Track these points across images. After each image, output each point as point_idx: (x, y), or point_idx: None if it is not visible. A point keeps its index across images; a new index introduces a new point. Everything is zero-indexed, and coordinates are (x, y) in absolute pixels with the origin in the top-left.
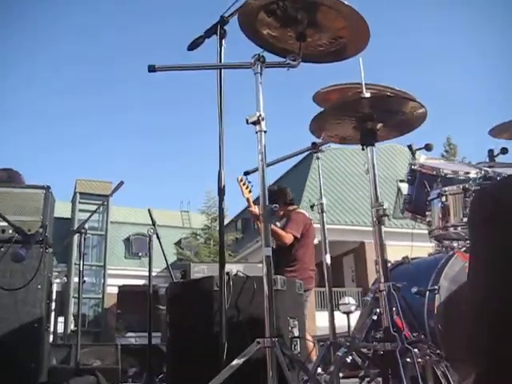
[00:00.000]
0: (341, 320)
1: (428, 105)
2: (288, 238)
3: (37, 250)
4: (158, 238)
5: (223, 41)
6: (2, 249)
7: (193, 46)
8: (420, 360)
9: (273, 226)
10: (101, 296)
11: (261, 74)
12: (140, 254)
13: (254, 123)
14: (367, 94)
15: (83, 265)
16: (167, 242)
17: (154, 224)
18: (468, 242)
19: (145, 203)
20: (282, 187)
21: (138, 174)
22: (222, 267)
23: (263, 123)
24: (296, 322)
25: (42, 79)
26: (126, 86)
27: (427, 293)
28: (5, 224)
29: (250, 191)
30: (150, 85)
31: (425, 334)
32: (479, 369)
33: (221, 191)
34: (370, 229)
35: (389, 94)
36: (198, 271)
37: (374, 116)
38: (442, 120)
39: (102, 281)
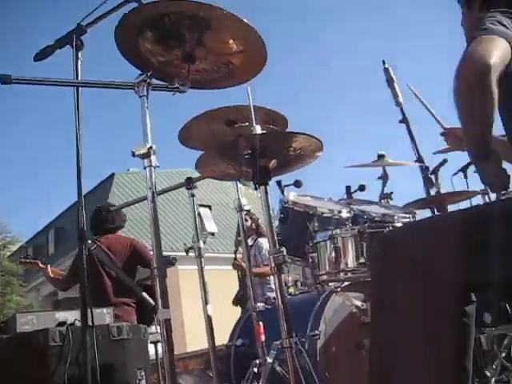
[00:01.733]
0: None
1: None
2: None
3: None
4: None
5: (79, 53)
6: None
7: (41, 56)
8: None
9: None
10: None
11: (147, 98)
12: None
13: (143, 157)
14: (258, 130)
15: None
16: None
17: None
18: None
19: None
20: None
21: None
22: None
23: (154, 157)
24: (143, 373)
25: None
26: None
27: (307, 338)
28: None
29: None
30: None
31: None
32: None
33: (81, 235)
34: (183, 254)
35: (272, 125)
36: (26, 323)
37: (266, 153)
38: None
39: None
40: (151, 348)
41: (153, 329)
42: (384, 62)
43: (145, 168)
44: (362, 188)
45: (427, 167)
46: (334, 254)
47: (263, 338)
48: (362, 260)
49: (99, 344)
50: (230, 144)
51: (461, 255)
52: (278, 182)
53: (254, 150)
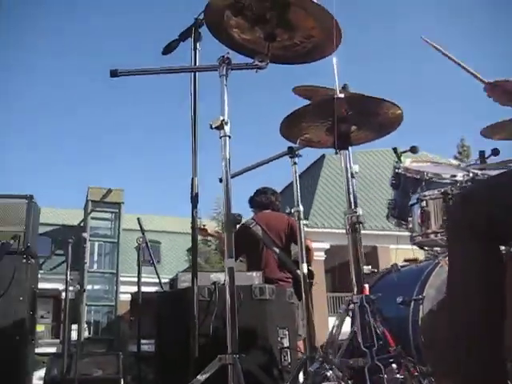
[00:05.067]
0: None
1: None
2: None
3: (18, 261)
4: (147, 247)
5: (198, 44)
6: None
7: (167, 49)
8: (399, 376)
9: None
10: (113, 303)
11: (226, 77)
12: (151, 262)
13: (218, 128)
14: (341, 95)
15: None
16: (179, 248)
17: (143, 233)
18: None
19: (157, 210)
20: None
21: (149, 181)
22: (194, 276)
23: (227, 128)
24: (286, 332)
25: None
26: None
27: (412, 303)
28: None
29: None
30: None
31: (409, 346)
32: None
33: (194, 199)
34: (383, 233)
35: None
36: (185, 281)
37: (347, 118)
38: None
39: (115, 288)
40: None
41: None
42: None
43: (220, 138)
44: (495, 152)
45: None
46: (421, 216)
47: None
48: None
49: (241, 302)
50: (314, 108)
51: None
52: (394, 149)
53: (339, 114)
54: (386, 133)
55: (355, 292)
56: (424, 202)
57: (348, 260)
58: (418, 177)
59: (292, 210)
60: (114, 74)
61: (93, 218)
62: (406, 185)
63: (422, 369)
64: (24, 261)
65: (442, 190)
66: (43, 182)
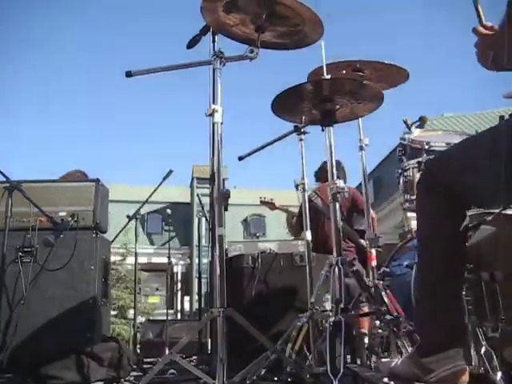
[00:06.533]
0: None
1: None
2: None
3: (89, 236)
4: (206, 219)
5: (216, 36)
6: (62, 235)
7: (191, 43)
8: (380, 330)
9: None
10: None
11: (220, 70)
12: (258, 234)
13: (210, 115)
14: (327, 76)
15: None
16: (283, 220)
17: (202, 208)
18: None
19: (263, 184)
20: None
21: (253, 158)
22: (213, 247)
23: (217, 115)
24: (328, 297)
25: None
26: None
27: (414, 266)
28: (63, 214)
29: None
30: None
31: (410, 306)
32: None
33: (211, 177)
34: None
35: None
36: (235, 249)
37: (333, 98)
38: None
39: None
40: None
41: None
42: None
43: (213, 124)
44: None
45: None
46: (404, 184)
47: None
48: None
49: (283, 268)
50: (301, 88)
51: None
52: (405, 121)
53: (322, 94)
54: (373, 109)
55: (334, 254)
56: (407, 170)
57: None
58: (419, 147)
59: (298, 182)
60: (128, 74)
61: (198, 195)
62: (410, 155)
63: (407, 326)
64: (94, 235)
65: (417, 160)
66: (150, 163)
